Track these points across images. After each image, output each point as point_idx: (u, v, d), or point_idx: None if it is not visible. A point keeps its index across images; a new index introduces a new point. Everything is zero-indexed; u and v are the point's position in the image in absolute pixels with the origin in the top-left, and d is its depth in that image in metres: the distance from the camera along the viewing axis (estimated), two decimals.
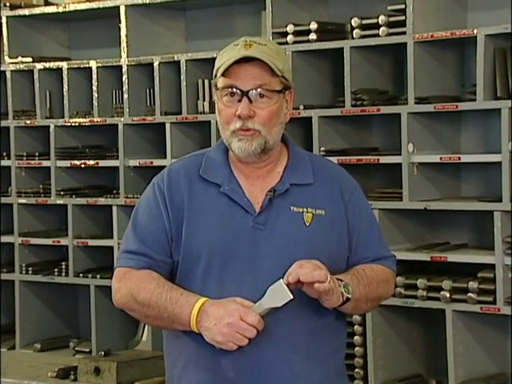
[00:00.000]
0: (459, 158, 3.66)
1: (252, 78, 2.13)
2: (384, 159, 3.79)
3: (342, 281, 2.13)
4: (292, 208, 2.20)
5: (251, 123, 2.15)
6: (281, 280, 2.06)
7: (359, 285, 2.17)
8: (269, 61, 2.13)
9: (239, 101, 2.14)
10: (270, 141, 2.18)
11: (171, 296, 2.13)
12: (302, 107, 3.94)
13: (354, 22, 3.84)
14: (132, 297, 2.16)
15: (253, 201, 2.20)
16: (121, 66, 4.49)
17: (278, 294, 2.05)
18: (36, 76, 4.77)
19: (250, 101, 2.14)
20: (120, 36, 4.50)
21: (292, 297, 2.04)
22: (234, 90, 2.14)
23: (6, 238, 4.83)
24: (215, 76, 2.20)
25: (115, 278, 2.22)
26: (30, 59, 4.84)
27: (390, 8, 3.78)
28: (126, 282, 2.18)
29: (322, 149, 3.88)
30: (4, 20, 4.86)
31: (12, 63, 4.85)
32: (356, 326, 3.76)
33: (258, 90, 2.14)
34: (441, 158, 3.67)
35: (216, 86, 2.19)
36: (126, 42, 4.48)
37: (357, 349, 3.77)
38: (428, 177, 3.74)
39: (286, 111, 2.22)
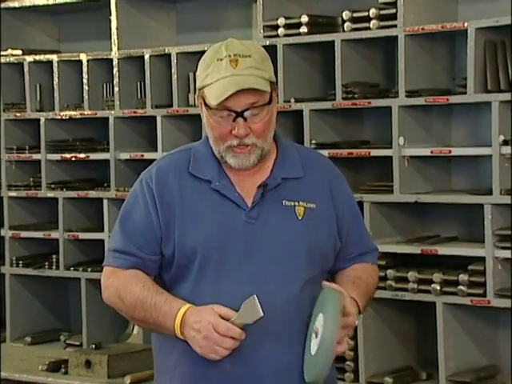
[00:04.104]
0: (450, 151, 3.67)
1: (245, 99, 2.13)
2: (375, 152, 3.80)
3: (359, 313, 2.17)
4: (284, 202, 2.21)
5: (248, 139, 2.16)
6: (254, 296, 2.04)
7: (367, 303, 2.24)
8: (258, 82, 2.12)
9: (234, 120, 2.14)
10: (266, 147, 2.19)
11: (156, 302, 2.13)
12: (292, 100, 3.94)
13: (345, 15, 3.84)
14: (119, 298, 2.18)
15: (244, 196, 2.20)
16: (111, 59, 4.48)
17: (251, 310, 2.04)
18: (26, 69, 4.76)
19: (245, 119, 2.14)
20: (110, 28, 4.48)
21: (262, 315, 2.02)
22: (228, 111, 2.13)
23: None
24: (200, 88, 2.17)
25: (103, 277, 2.23)
26: (19, 52, 4.82)
27: (380, 1, 3.77)
28: (114, 282, 2.19)
29: (313, 142, 3.88)
30: None
31: (1, 56, 4.83)
32: None
33: (251, 109, 2.13)
34: (431, 151, 3.68)
35: (203, 99, 2.17)
36: (117, 35, 4.47)
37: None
38: (419, 170, 3.75)
39: (275, 111, 2.22)
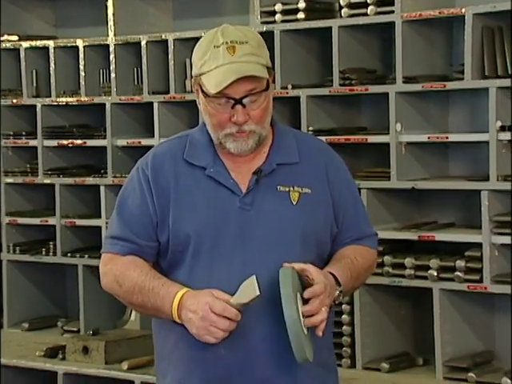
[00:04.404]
0: (447, 138, 3.67)
1: (243, 86, 2.13)
2: (372, 139, 3.80)
3: (339, 285, 2.15)
4: (278, 187, 2.21)
5: (247, 126, 2.16)
6: (253, 276, 2.05)
7: (351, 280, 2.21)
8: (256, 68, 2.12)
9: (232, 107, 2.13)
10: (264, 133, 2.19)
11: (153, 286, 2.14)
12: (290, 86, 3.93)
13: (343, 1, 3.83)
14: (118, 284, 2.18)
15: (239, 182, 2.20)
16: (108, 45, 4.46)
17: (248, 290, 2.05)
18: (22, 55, 4.74)
19: (243, 106, 2.14)
20: (107, 14, 4.47)
21: (258, 293, 2.03)
22: (226, 98, 2.13)
23: None
24: (197, 75, 2.17)
25: (102, 263, 2.24)
26: (16, 37, 4.81)
27: None
28: (112, 268, 2.20)
29: (310, 128, 3.88)
30: None
31: None
32: (344, 305, 3.77)
33: (250, 96, 2.13)
34: (429, 138, 3.68)
35: (199, 86, 2.17)
36: (113, 21, 4.45)
37: (344, 327, 3.78)
38: (416, 156, 3.75)
39: (272, 96, 2.21)
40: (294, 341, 2.04)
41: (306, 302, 2.09)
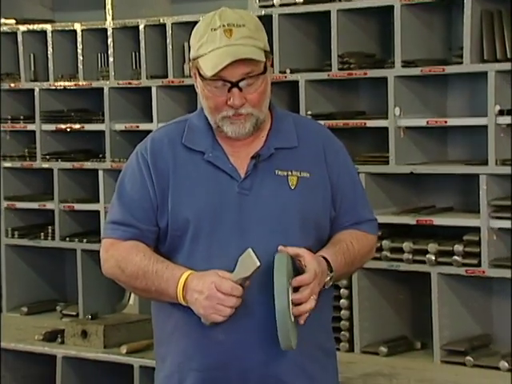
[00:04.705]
0: (446, 122, 3.67)
1: (240, 69, 2.12)
2: (371, 123, 3.80)
3: (331, 271, 2.15)
4: (276, 172, 2.21)
5: (244, 109, 2.15)
6: (249, 248, 2.06)
7: (345, 266, 2.21)
8: (253, 51, 2.12)
9: (229, 90, 2.13)
10: (261, 116, 2.19)
11: (157, 269, 2.14)
12: (288, 71, 3.93)
13: None
14: (120, 269, 2.18)
15: (238, 166, 2.20)
16: (106, 29, 4.45)
17: (247, 263, 2.05)
18: (20, 38, 4.72)
19: (240, 89, 2.13)
20: None
21: (258, 264, 2.04)
22: (222, 81, 2.13)
23: None
24: (194, 58, 2.16)
25: (103, 249, 2.24)
26: (13, 21, 4.79)
27: None
28: (114, 254, 2.20)
29: (309, 113, 3.87)
30: None
31: None
32: (342, 290, 3.78)
33: (246, 79, 2.13)
34: (427, 122, 3.67)
35: (197, 69, 2.16)
36: (111, 5, 4.44)
37: (343, 312, 3.79)
38: (414, 140, 3.75)
39: (270, 80, 2.21)
40: (281, 329, 2.05)
41: (296, 288, 2.10)
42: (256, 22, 2.19)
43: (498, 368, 3.44)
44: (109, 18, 4.45)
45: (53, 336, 4.18)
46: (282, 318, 2.04)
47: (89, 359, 3.99)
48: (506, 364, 3.43)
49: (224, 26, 2.13)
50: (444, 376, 3.43)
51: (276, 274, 2.06)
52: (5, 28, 4.79)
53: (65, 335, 4.11)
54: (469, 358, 3.51)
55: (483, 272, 3.49)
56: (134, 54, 4.44)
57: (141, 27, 4.34)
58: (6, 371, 4.36)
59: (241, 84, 2.13)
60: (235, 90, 2.13)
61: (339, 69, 3.81)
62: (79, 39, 4.54)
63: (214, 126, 2.20)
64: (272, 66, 2.23)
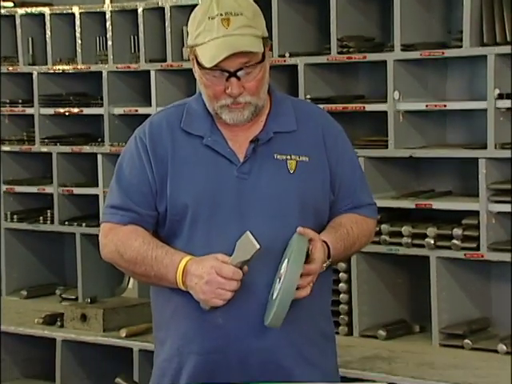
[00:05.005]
0: (445, 106, 3.66)
1: (238, 59, 2.12)
2: (370, 107, 3.79)
3: (329, 257, 2.16)
4: (275, 156, 2.21)
5: (242, 98, 2.15)
6: (247, 231, 2.06)
7: (343, 251, 2.22)
8: (251, 42, 2.11)
9: (227, 79, 2.13)
10: (260, 103, 2.19)
11: (157, 255, 2.14)
12: (287, 54, 3.91)
13: None
14: (119, 254, 2.18)
15: (236, 151, 2.20)
16: (104, 12, 4.43)
17: (246, 246, 2.05)
18: (18, 22, 4.70)
19: (238, 78, 2.12)
20: None
21: (258, 246, 2.04)
22: (220, 71, 2.12)
23: None
24: (192, 46, 2.16)
25: (101, 234, 2.24)
26: (11, 4, 4.77)
27: None
28: (113, 238, 2.20)
29: (308, 96, 3.86)
30: None
31: None
32: (341, 273, 3.79)
33: (244, 68, 2.12)
34: (426, 106, 3.67)
35: (195, 56, 2.16)
36: None
37: (342, 295, 3.80)
38: (414, 124, 3.74)
39: (268, 65, 2.20)
40: (279, 307, 2.04)
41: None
42: (254, 8, 2.18)
43: (496, 351, 3.45)
44: (107, 1, 4.44)
45: (52, 319, 4.19)
46: (285, 297, 2.04)
47: (88, 343, 4.00)
48: (504, 347, 3.44)
49: (221, 14, 2.12)
50: (442, 359, 3.44)
51: (295, 255, 2.05)
52: (3, 11, 4.76)
53: (64, 319, 4.12)
54: (467, 341, 3.53)
55: (482, 256, 3.49)
56: (132, 37, 4.42)
57: (139, 10, 4.32)
58: (6, 354, 4.38)
59: (239, 73, 2.13)
60: (233, 79, 2.13)
61: (338, 52, 3.80)
62: (78, 22, 4.52)
63: (212, 113, 2.20)
64: (271, 49, 2.23)
